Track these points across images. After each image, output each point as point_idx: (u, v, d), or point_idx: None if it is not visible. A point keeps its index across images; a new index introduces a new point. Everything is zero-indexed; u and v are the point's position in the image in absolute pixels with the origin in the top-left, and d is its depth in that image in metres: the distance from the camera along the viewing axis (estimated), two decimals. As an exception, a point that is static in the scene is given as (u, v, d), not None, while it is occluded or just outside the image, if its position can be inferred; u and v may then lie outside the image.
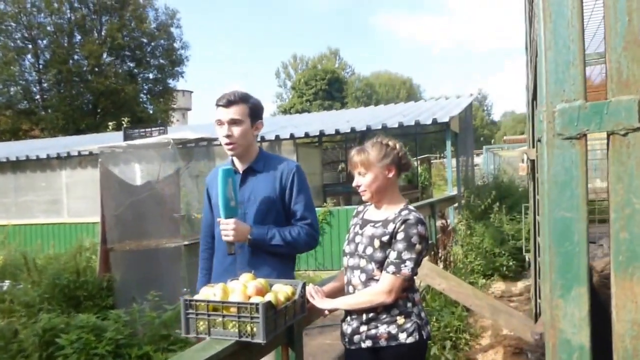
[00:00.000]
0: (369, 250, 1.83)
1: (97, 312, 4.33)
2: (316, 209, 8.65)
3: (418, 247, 1.79)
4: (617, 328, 1.01)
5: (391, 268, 1.77)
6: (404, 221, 1.79)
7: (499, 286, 6.32)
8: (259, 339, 1.46)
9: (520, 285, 6.24)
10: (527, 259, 5.97)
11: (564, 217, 1.04)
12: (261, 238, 2.00)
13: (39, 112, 24.92)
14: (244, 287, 1.60)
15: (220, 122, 2.03)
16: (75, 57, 25.24)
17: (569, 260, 1.03)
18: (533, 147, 3.37)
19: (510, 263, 6.47)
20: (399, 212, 1.85)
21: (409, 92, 49.24)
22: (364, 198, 1.92)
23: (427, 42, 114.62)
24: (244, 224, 1.99)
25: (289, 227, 2.07)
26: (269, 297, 1.57)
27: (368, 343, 1.83)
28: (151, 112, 26.40)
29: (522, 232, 6.28)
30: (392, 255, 1.78)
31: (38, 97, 25.63)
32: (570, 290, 1.03)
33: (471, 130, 13.42)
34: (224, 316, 1.50)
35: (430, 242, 6.15)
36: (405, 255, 1.77)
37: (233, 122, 2.02)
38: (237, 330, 1.48)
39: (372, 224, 1.88)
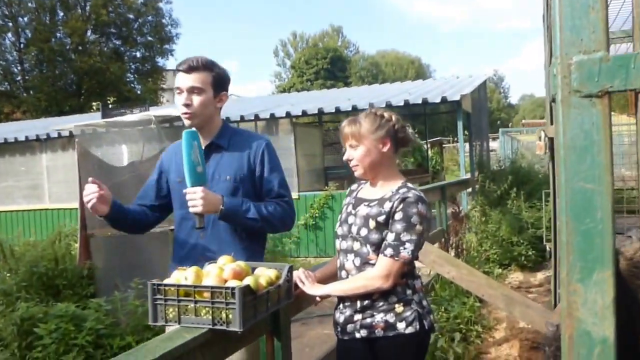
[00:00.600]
0: (364, 232, 1.76)
1: (78, 301, 4.30)
2: (317, 192, 8.55)
3: (418, 227, 1.72)
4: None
5: (389, 251, 1.70)
6: (403, 199, 1.72)
7: (516, 276, 6.26)
8: (235, 327, 1.38)
9: (540, 276, 6.17)
10: (547, 248, 5.89)
11: (584, 189, 0.93)
12: (235, 210, 1.89)
13: (20, 94, 24.85)
14: (219, 271, 1.52)
15: (179, 90, 1.95)
16: (58, 35, 25.12)
17: (590, 239, 0.93)
18: (552, 124, 3.26)
19: (530, 253, 6.40)
20: (397, 189, 1.78)
21: (418, 72, 48.56)
22: (356, 173, 1.85)
23: (438, 19, 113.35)
24: (215, 193, 1.88)
25: (263, 202, 1.99)
26: (248, 280, 1.49)
27: (363, 333, 1.76)
28: (139, 92, 26.24)
29: (542, 220, 6.19)
30: (390, 236, 1.72)
31: (19, 78, 25.57)
32: (592, 274, 0.93)
33: (486, 111, 13.23)
34: (196, 302, 1.42)
35: (440, 228, 6.10)
36: (405, 236, 1.70)
37: (193, 90, 1.93)
38: (210, 317, 1.40)
39: (367, 203, 1.81)
